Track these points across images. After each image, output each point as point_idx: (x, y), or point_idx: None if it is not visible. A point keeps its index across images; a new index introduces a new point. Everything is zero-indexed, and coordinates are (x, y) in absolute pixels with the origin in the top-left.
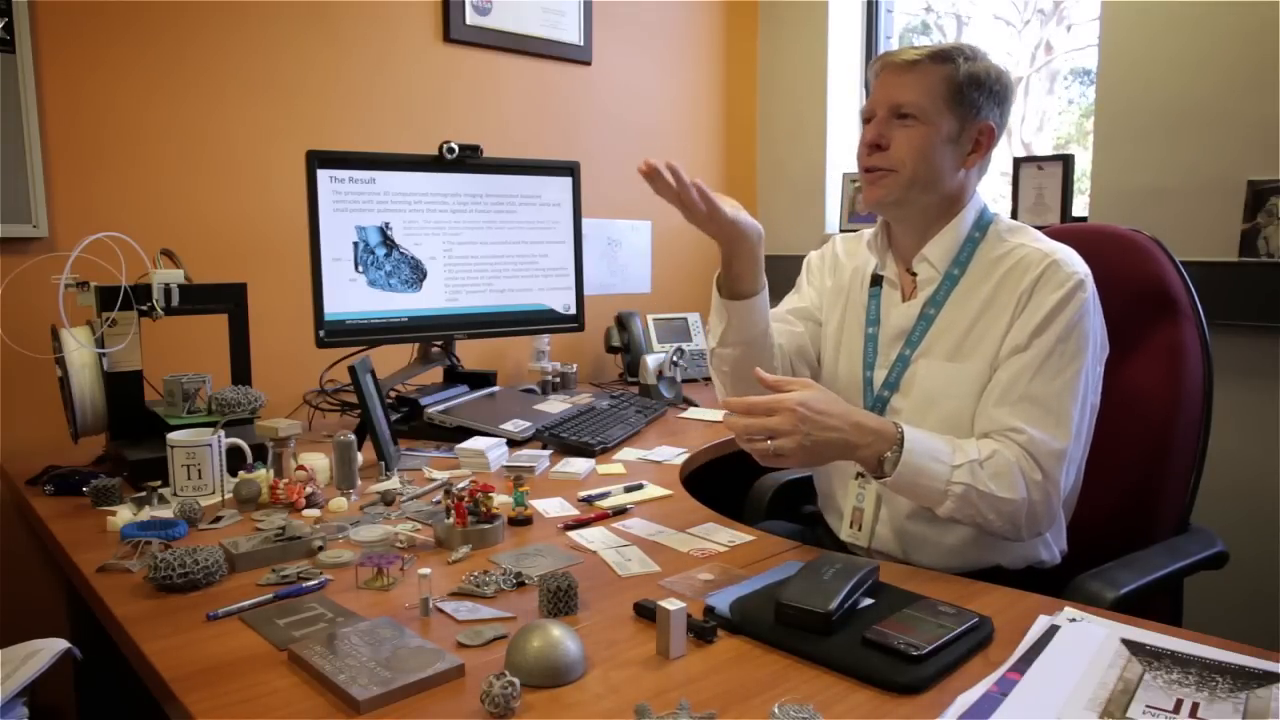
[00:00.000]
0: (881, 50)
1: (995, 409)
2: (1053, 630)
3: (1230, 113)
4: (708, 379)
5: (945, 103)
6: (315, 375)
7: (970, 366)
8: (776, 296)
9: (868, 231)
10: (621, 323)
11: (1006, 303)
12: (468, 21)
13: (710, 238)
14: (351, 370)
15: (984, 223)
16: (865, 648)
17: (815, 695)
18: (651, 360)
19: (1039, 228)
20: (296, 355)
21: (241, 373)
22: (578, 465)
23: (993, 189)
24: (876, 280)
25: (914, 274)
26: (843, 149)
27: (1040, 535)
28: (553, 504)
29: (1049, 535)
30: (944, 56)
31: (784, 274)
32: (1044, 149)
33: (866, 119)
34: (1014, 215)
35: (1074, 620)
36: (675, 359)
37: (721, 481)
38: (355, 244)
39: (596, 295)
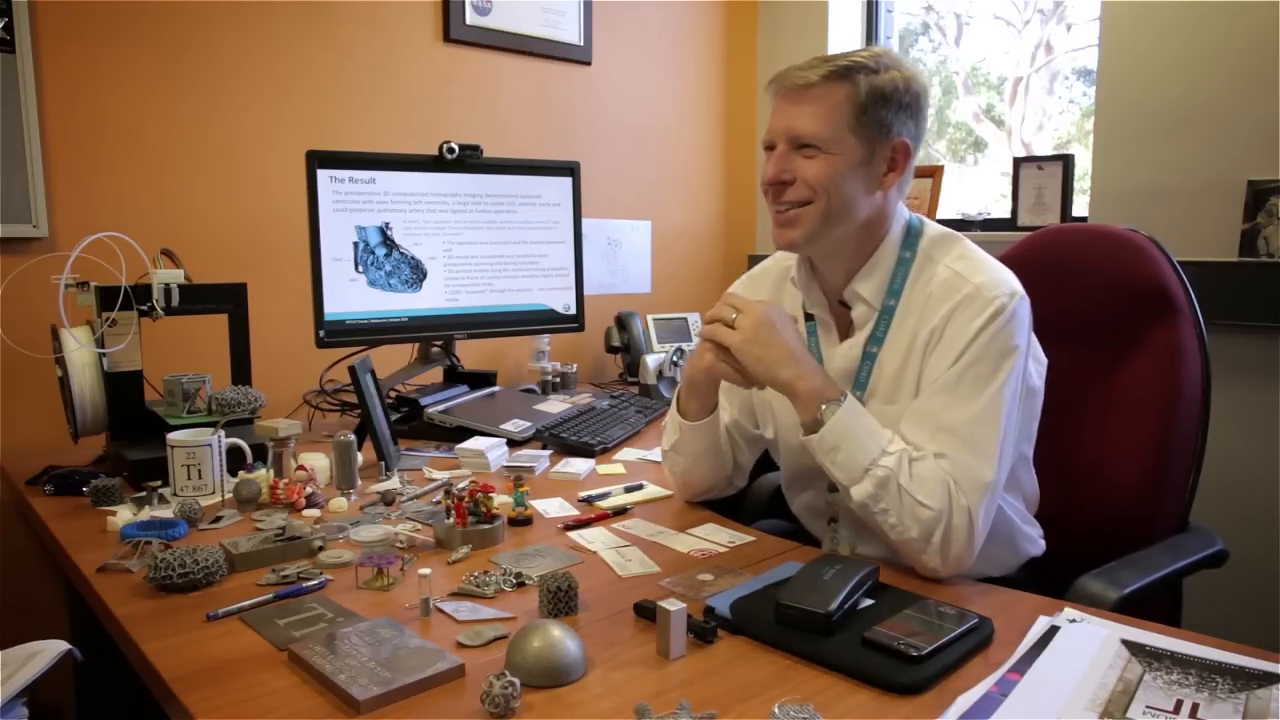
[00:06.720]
0: None
1: (912, 436)
2: (1053, 631)
3: (1230, 113)
4: None
5: (849, 128)
6: (315, 375)
7: (899, 409)
8: None
9: (773, 266)
10: (621, 323)
11: (926, 337)
12: (468, 21)
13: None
14: (351, 370)
15: (912, 239)
16: (865, 648)
17: (815, 695)
18: (651, 360)
19: (1034, 228)
20: (296, 355)
21: (241, 373)
22: (578, 465)
23: (993, 189)
24: (809, 316)
25: (847, 306)
26: None
27: (961, 567)
28: (553, 504)
29: (1029, 530)
30: (842, 74)
31: None
32: (1044, 149)
33: (768, 148)
34: (1013, 215)
35: (1074, 621)
36: (675, 359)
37: None
38: (355, 244)
39: (596, 295)
